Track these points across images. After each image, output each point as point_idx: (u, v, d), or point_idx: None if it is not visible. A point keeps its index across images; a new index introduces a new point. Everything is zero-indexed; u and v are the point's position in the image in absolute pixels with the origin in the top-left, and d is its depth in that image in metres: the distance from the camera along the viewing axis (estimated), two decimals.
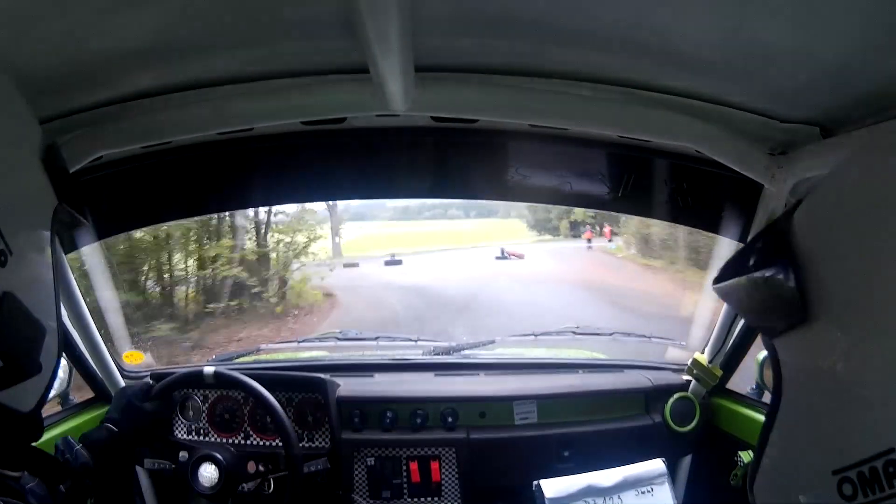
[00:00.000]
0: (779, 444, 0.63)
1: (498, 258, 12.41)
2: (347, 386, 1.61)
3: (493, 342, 2.01)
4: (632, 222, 10.79)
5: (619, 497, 1.41)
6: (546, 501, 1.38)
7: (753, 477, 0.67)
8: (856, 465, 0.50)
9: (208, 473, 1.39)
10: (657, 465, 1.45)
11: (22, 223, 0.71)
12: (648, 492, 1.43)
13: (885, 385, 0.49)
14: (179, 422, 1.60)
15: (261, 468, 1.45)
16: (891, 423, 0.48)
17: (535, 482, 1.40)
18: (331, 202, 9.85)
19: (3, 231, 0.64)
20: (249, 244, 7.52)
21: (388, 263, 12.09)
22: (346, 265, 11.71)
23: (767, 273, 0.61)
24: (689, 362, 1.64)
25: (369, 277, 11.13)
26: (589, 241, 12.86)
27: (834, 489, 0.52)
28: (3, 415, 0.65)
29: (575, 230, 13.54)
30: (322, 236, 9.41)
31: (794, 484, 0.60)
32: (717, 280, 0.74)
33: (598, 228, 12.78)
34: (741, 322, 1.49)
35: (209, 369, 1.50)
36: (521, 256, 12.46)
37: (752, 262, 0.66)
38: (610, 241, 12.49)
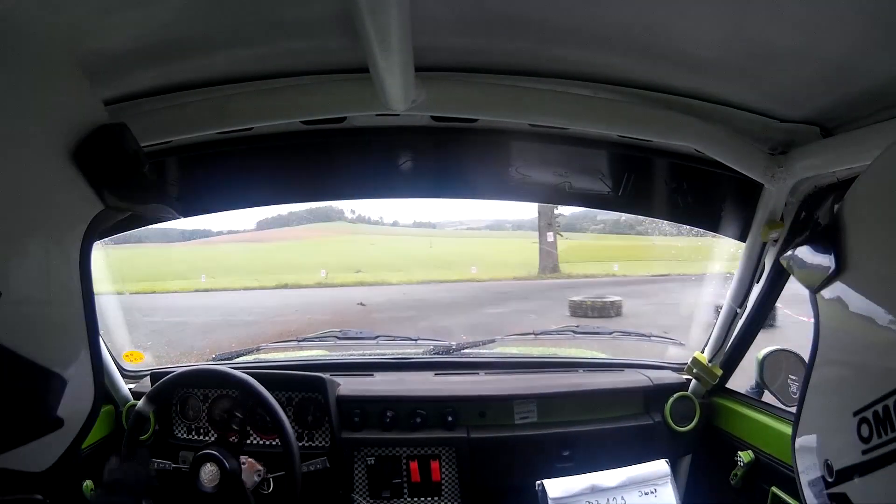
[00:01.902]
0: (813, 399, 0.66)
1: None
2: (347, 385, 1.61)
3: (493, 341, 2.01)
4: None
5: (622, 497, 1.41)
6: (549, 501, 1.38)
7: (794, 437, 0.69)
8: (872, 405, 0.52)
9: (210, 473, 1.39)
10: (661, 465, 1.45)
11: (24, 249, 0.56)
12: (652, 492, 1.43)
13: None
14: (179, 422, 1.60)
15: (260, 467, 1.45)
16: None
17: (539, 482, 1.40)
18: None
19: None
20: None
21: None
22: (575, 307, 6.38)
23: (814, 237, 0.67)
24: (688, 361, 1.64)
25: None
26: None
27: (854, 431, 0.54)
28: (9, 478, 0.55)
29: None
30: None
31: (824, 433, 0.63)
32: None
33: None
34: (741, 321, 1.49)
35: (216, 367, 1.50)
36: None
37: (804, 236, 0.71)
38: None
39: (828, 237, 0.62)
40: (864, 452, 0.53)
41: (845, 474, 0.57)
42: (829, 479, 0.60)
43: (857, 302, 0.58)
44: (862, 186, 0.62)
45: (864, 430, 0.53)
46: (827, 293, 0.63)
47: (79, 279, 0.59)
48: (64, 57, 0.61)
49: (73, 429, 0.60)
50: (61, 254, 0.58)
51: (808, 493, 0.65)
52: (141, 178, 0.66)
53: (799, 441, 0.69)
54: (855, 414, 0.55)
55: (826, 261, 0.61)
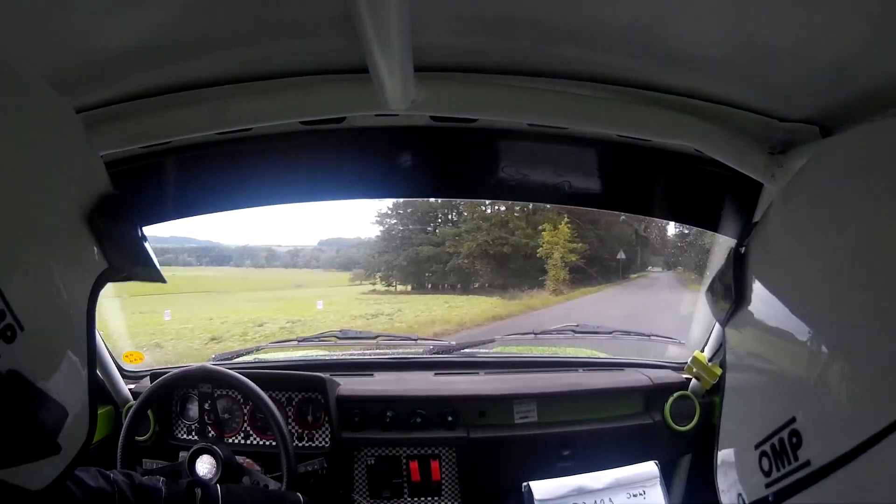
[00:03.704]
0: (723, 434, 0.67)
1: None
2: (347, 385, 1.61)
3: (492, 341, 2.01)
4: None
5: (609, 499, 1.41)
6: (535, 502, 1.38)
7: (714, 475, 0.70)
8: (769, 437, 0.52)
9: (206, 465, 1.38)
10: (650, 467, 1.45)
11: (46, 292, 0.62)
12: (640, 494, 1.43)
13: (795, 358, 0.52)
14: (179, 422, 1.60)
15: (258, 467, 1.45)
16: (795, 394, 0.50)
17: (525, 483, 1.41)
18: None
19: (11, 302, 0.56)
20: None
21: None
22: None
23: (721, 271, 0.69)
24: (688, 361, 1.64)
25: None
26: None
27: (756, 464, 0.54)
28: (7, 491, 0.59)
29: None
30: None
31: (734, 467, 0.63)
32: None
33: None
34: None
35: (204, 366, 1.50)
36: None
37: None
38: None
39: (732, 270, 0.64)
40: (767, 486, 0.53)
41: None
42: None
43: (755, 333, 0.59)
44: (764, 222, 0.63)
45: (765, 464, 0.53)
46: (731, 325, 0.64)
47: (86, 324, 0.67)
48: (69, 114, 0.69)
49: (69, 455, 0.65)
50: (73, 302, 0.66)
51: None
52: (140, 248, 0.76)
53: (718, 477, 0.68)
54: (756, 447, 0.54)
55: (730, 292, 0.63)
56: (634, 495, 1.42)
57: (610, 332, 1.93)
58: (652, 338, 1.93)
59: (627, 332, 1.93)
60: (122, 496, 0.87)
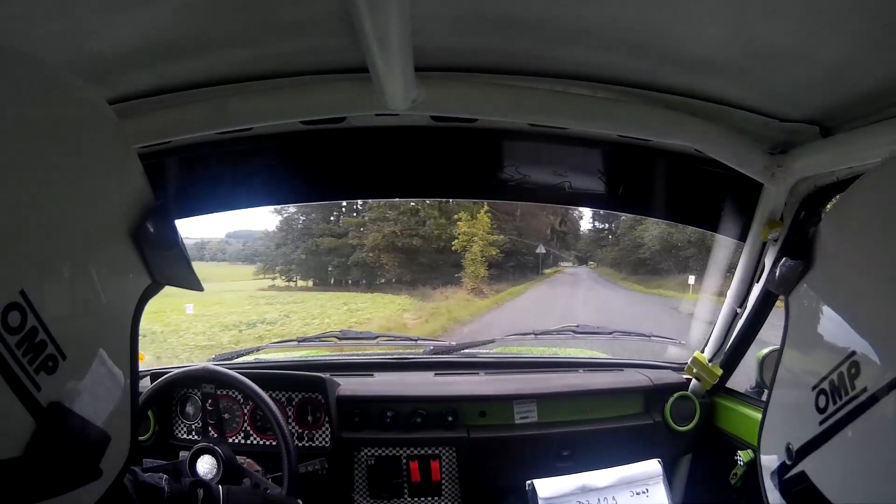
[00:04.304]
0: (779, 389, 0.71)
1: None
2: (347, 385, 1.61)
3: (492, 341, 2.01)
4: None
5: (613, 497, 1.41)
6: (539, 501, 1.38)
7: (759, 436, 0.73)
8: (828, 375, 0.57)
9: (207, 465, 1.38)
10: (653, 465, 1.45)
11: (88, 317, 0.59)
12: (644, 492, 1.43)
13: (855, 302, 0.58)
14: (179, 422, 1.60)
15: (259, 467, 1.44)
16: (858, 329, 0.55)
17: (529, 482, 1.41)
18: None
19: (52, 331, 0.53)
20: None
21: None
22: None
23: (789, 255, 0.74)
24: (689, 361, 1.64)
25: None
26: None
27: (812, 404, 0.59)
28: None
29: None
30: None
31: (786, 417, 0.68)
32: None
33: None
34: (741, 321, 1.49)
35: (208, 366, 1.50)
36: None
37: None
38: None
39: (802, 245, 0.69)
40: (821, 423, 0.58)
41: (804, 451, 0.61)
42: (789, 462, 0.64)
43: (821, 294, 0.65)
44: (841, 204, 0.69)
45: (821, 402, 0.58)
46: (797, 292, 0.69)
47: (129, 347, 0.64)
48: (114, 130, 0.66)
49: (109, 479, 0.63)
50: (117, 322, 0.63)
51: (768, 484, 0.69)
52: (181, 256, 0.72)
53: (764, 436, 0.73)
54: (813, 388, 0.60)
55: (798, 264, 0.69)
56: (638, 493, 1.42)
57: (610, 333, 1.93)
58: (652, 338, 1.93)
59: (627, 333, 1.93)
60: (125, 492, 0.87)
